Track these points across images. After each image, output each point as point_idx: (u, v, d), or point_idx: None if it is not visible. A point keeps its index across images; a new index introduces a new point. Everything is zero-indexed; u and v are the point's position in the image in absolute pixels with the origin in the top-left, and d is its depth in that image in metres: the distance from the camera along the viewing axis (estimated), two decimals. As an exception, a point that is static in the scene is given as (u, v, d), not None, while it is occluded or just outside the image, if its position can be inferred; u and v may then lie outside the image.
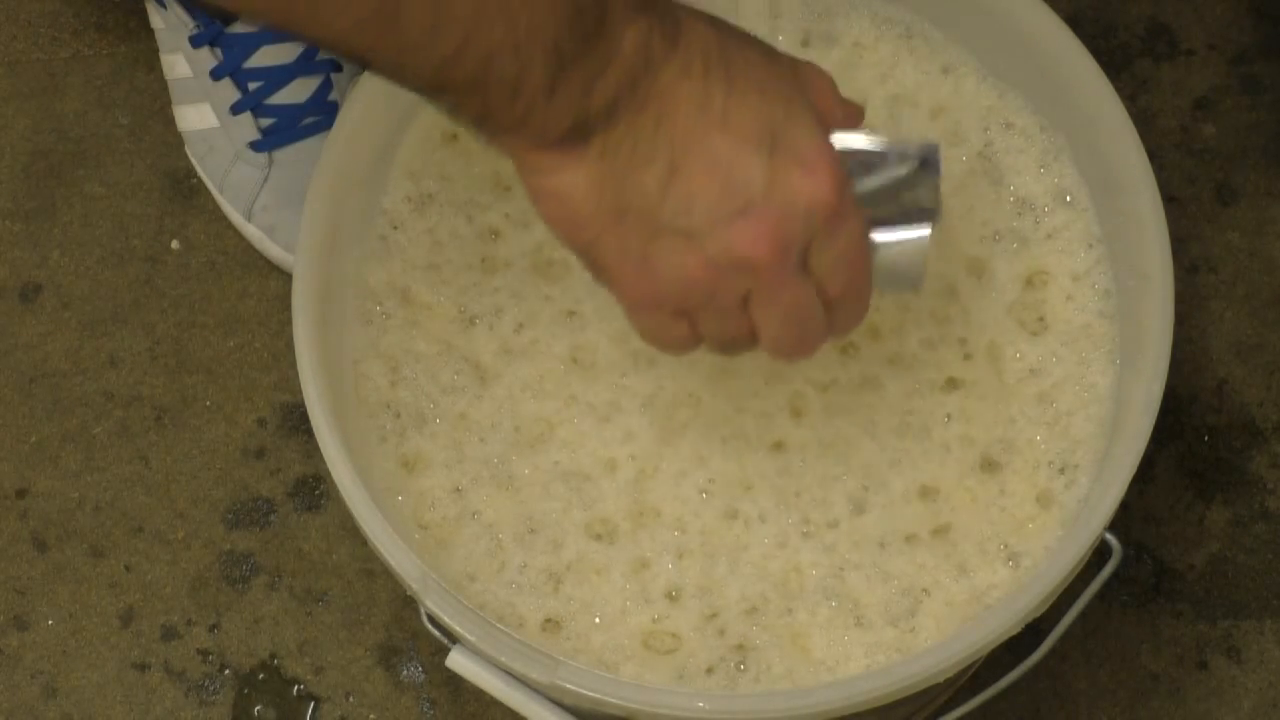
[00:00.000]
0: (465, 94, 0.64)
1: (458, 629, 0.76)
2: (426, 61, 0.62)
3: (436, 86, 0.64)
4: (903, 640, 0.80)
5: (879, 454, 0.83)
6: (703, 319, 0.70)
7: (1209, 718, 1.03)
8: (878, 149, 0.70)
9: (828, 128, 0.69)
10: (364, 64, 0.64)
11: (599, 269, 0.69)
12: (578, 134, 0.65)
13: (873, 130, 0.71)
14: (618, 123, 0.65)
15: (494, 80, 0.63)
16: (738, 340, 0.71)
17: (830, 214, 0.67)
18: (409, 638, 1.05)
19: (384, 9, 0.60)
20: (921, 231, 0.71)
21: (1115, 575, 0.89)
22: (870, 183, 0.70)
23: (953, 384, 0.84)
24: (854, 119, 0.73)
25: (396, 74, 0.64)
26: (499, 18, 0.62)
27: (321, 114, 1.10)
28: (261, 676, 1.05)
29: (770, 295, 0.69)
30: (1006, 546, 0.81)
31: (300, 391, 0.80)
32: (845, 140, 0.69)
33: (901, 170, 0.71)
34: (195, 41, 1.10)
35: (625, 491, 0.83)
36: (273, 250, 1.10)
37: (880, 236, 0.71)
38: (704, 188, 0.66)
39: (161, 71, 1.16)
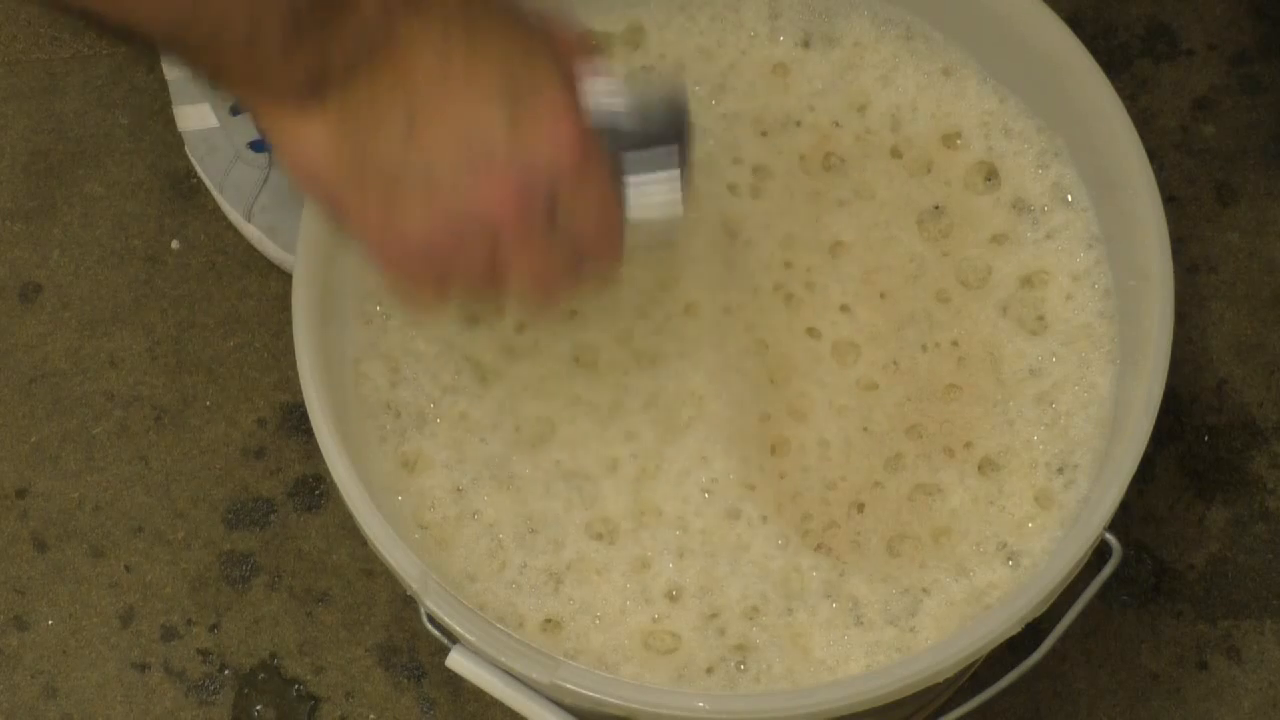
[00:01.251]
0: (199, 50, 0.63)
1: (458, 629, 0.76)
2: (158, 24, 0.61)
3: (169, 42, 0.63)
4: (902, 640, 0.80)
5: (879, 454, 0.83)
6: (453, 275, 0.69)
7: (1209, 718, 1.03)
8: (626, 99, 0.70)
9: (575, 83, 0.68)
10: (93, 24, 0.63)
11: (345, 224, 0.68)
12: (316, 91, 0.64)
13: (620, 82, 0.70)
14: (357, 80, 0.64)
15: (227, 40, 0.62)
16: (488, 292, 0.71)
17: (575, 166, 0.67)
18: (409, 638, 1.05)
19: None
20: (672, 174, 0.71)
21: (1115, 575, 0.89)
22: (620, 133, 0.70)
23: (952, 384, 0.84)
24: (602, 74, 0.71)
25: (125, 31, 0.62)
26: None
27: (321, 114, 1.09)
28: (261, 676, 1.05)
29: (517, 249, 0.68)
30: (1006, 546, 0.81)
31: (300, 391, 0.80)
32: (594, 92, 0.69)
33: (652, 118, 0.70)
34: (195, 41, 1.10)
35: (626, 491, 0.83)
36: (272, 250, 1.10)
37: (633, 183, 0.70)
38: (445, 144, 0.65)
39: (161, 71, 1.16)
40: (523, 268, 0.69)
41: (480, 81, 0.65)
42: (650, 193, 0.71)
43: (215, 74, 0.64)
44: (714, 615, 0.81)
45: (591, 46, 0.71)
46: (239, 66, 0.63)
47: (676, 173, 0.71)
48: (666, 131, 0.71)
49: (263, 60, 0.62)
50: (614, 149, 0.70)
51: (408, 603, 1.05)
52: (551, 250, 0.69)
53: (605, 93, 0.69)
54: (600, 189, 0.69)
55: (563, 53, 0.69)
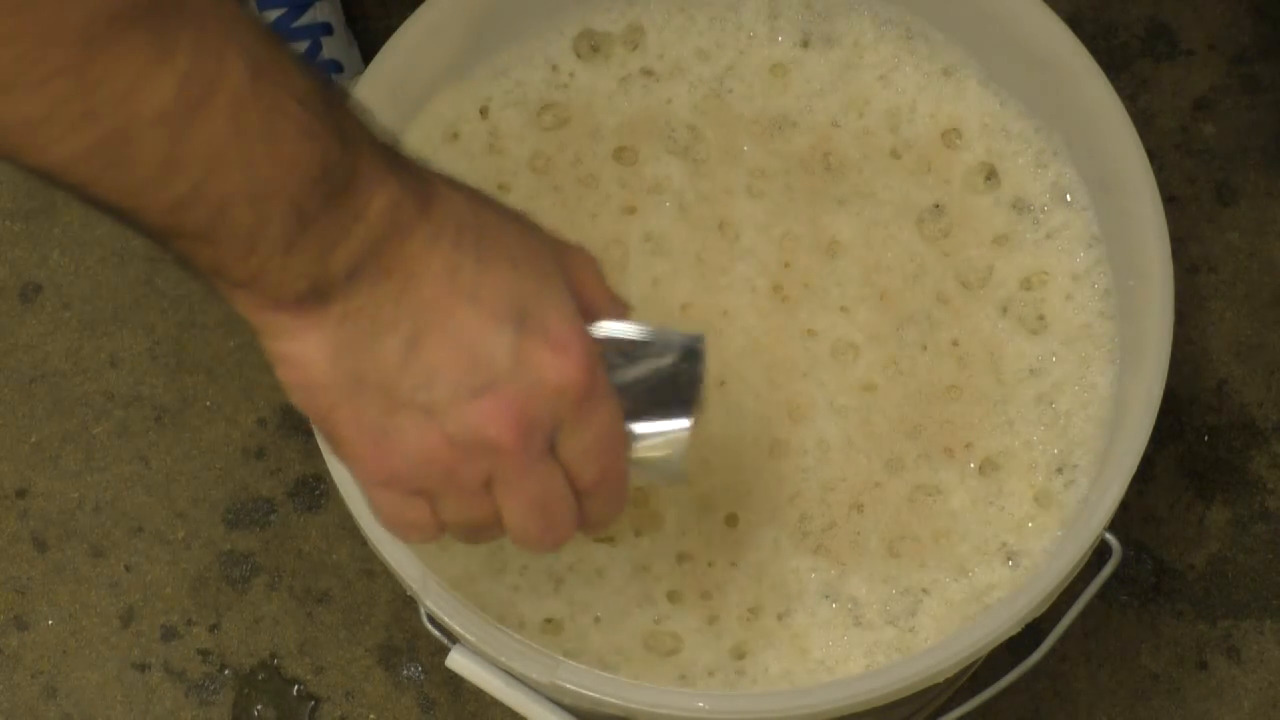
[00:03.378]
0: (197, 243, 0.59)
1: (458, 629, 0.76)
2: (155, 204, 0.58)
3: (165, 231, 0.59)
4: (902, 640, 0.80)
5: (878, 454, 0.83)
6: (443, 501, 0.66)
7: (1209, 718, 1.03)
8: (640, 338, 0.67)
9: (585, 311, 0.65)
10: (88, 200, 0.59)
11: (336, 441, 0.65)
12: (316, 297, 0.61)
13: (636, 320, 0.67)
14: (360, 288, 0.61)
15: (227, 231, 0.58)
16: (482, 526, 0.67)
17: (580, 397, 0.64)
18: (409, 638, 1.05)
19: (110, 141, 0.55)
20: (681, 424, 0.67)
21: (1115, 575, 0.89)
22: (630, 372, 0.67)
23: (952, 384, 0.84)
24: (618, 307, 0.69)
25: (122, 213, 0.59)
26: (237, 164, 0.57)
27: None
28: (261, 676, 1.05)
29: (514, 480, 0.65)
30: (1006, 546, 0.81)
31: (300, 391, 0.80)
32: (606, 328, 0.66)
33: (664, 361, 0.67)
34: (195, 42, 1.10)
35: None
36: (273, 250, 1.10)
37: (639, 428, 0.67)
38: (446, 362, 0.62)
39: (161, 72, 1.16)
40: (520, 498, 0.65)
41: (487, 295, 0.63)
42: (657, 443, 0.68)
43: (214, 271, 0.60)
44: (713, 617, 0.81)
45: (604, 272, 0.68)
46: (238, 263, 0.59)
47: (686, 425, 0.68)
48: (679, 381, 0.68)
49: (264, 257, 0.59)
50: (621, 388, 0.67)
51: (408, 603, 1.05)
52: (550, 482, 0.65)
53: (623, 332, 0.67)
54: (605, 425, 0.65)
55: (576, 276, 0.66)
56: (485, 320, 0.62)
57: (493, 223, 0.64)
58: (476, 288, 0.62)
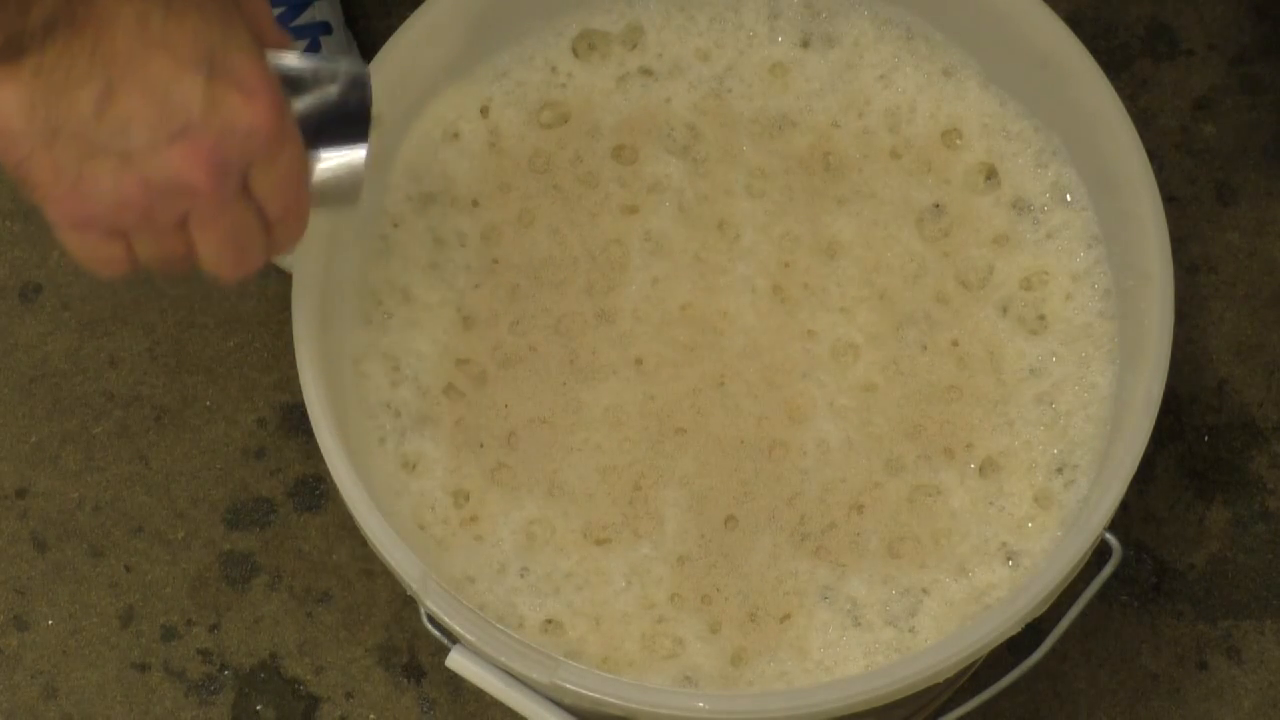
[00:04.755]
0: None
1: (458, 629, 0.76)
2: None
3: None
4: (902, 640, 0.80)
5: (878, 455, 0.83)
6: (139, 240, 0.70)
7: (1209, 718, 1.03)
8: (308, 67, 0.71)
9: (264, 50, 0.69)
10: None
11: (31, 186, 0.68)
12: (11, 51, 0.64)
13: (301, 52, 0.72)
14: (54, 42, 0.65)
15: None
16: (174, 260, 0.71)
17: (270, 138, 0.68)
18: (409, 638, 1.05)
19: None
20: (356, 150, 0.73)
21: (1115, 575, 0.89)
22: (302, 103, 0.71)
23: (952, 384, 0.84)
24: (285, 41, 0.73)
25: None
26: None
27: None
28: (261, 676, 1.05)
29: (209, 217, 0.69)
30: (1006, 546, 0.81)
31: (300, 391, 0.80)
32: (277, 61, 0.70)
33: (332, 89, 0.72)
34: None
35: (625, 495, 0.83)
36: (272, 250, 1.10)
37: (319, 156, 0.72)
38: (141, 109, 0.66)
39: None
40: (214, 234, 0.70)
41: (178, 48, 0.66)
42: (338, 167, 0.72)
43: None
44: (713, 618, 0.81)
45: (274, 15, 0.73)
46: None
47: (362, 151, 0.73)
48: (348, 106, 0.72)
49: None
50: (297, 119, 0.71)
51: (408, 603, 1.05)
52: (242, 217, 0.70)
53: (293, 65, 0.71)
54: (293, 161, 0.70)
55: (251, 16, 0.70)
56: (177, 68, 0.66)
57: None
58: (166, 36, 0.66)
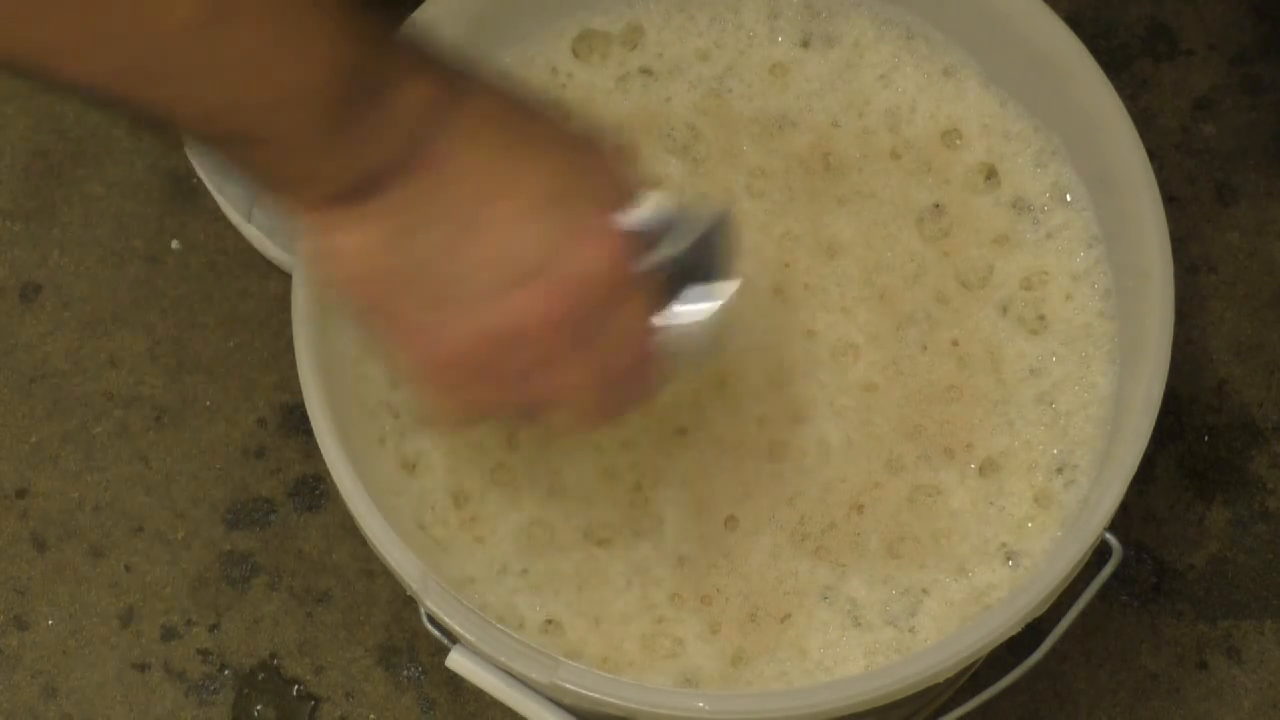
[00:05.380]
0: (238, 147, 0.62)
1: (458, 629, 0.76)
2: (190, 114, 0.60)
3: (207, 139, 0.62)
4: (902, 640, 0.80)
5: (878, 455, 0.83)
6: (483, 386, 0.68)
7: (1209, 718, 1.03)
8: (668, 219, 0.68)
9: (617, 199, 0.66)
10: (126, 113, 0.61)
11: (378, 334, 0.67)
12: (359, 194, 0.63)
13: (662, 201, 0.68)
14: (401, 184, 0.63)
15: (263, 136, 0.61)
16: (522, 412, 0.69)
17: (612, 287, 0.66)
18: (409, 638, 1.05)
19: (138, 57, 0.57)
20: (712, 304, 0.69)
21: (1115, 575, 0.89)
22: (659, 254, 0.68)
23: (952, 384, 0.84)
24: (639, 189, 0.69)
25: (161, 125, 0.61)
26: (265, 73, 0.59)
27: (321, 114, 1.09)
28: (261, 676, 1.05)
29: (548, 369, 0.67)
30: (1006, 546, 0.81)
31: (300, 391, 0.80)
32: (634, 212, 0.67)
33: (692, 240, 0.68)
34: (195, 41, 1.10)
35: (625, 496, 0.83)
36: (273, 251, 1.10)
37: (674, 310, 0.69)
38: (484, 256, 0.64)
39: (161, 71, 1.16)
40: (556, 385, 0.67)
41: (524, 192, 0.64)
42: (692, 322, 0.69)
43: (259, 172, 0.63)
44: (713, 618, 0.81)
45: (633, 158, 0.70)
46: (278, 164, 0.62)
47: (719, 304, 0.69)
48: (710, 256, 0.69)
49: (302, 158, 0.61)
50: (656, 271, 0.68)
51: (408, 603, 1.05)
52: (587, 369, 0.67)
53: (650, 212, 0.68)
54: (636, 313, 0.67)
55: (606, 164, 0.67)
56: (522, 214, 0.64)
57: (527, 115, 0.66)
58: (513, 182, 0.64)
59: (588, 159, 0.67)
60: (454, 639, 0.77)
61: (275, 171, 0.63)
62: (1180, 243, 1.11)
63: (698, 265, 0.69)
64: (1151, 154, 0.84)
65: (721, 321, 0.69)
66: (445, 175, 0.63)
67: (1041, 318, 0.85)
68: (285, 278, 1.11)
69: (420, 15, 0.86)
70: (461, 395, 0.68)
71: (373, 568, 1.06)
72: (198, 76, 0.58)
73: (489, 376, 0.67)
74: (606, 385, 0.68)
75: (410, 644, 1.05)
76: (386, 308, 0.66)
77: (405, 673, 1.04)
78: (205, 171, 1.13)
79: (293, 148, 0.61)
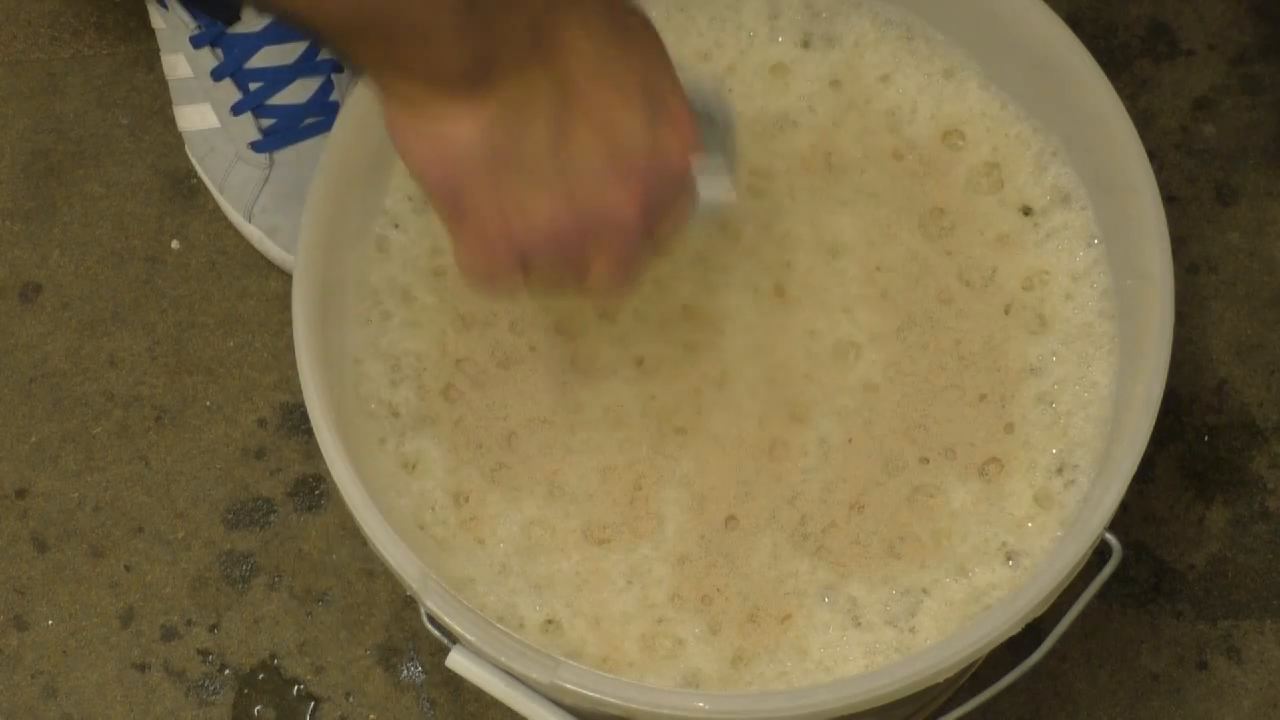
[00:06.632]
0: (374, 40, 0.63)
1: (458, 629, 0.76)
2: (337, 7, 0.62)
3: (348, 33, 0.64)
4: (902, 641, 0.80)
5: (879, 455, 0.83)
6: (544, 264, 0.71)
7: (1209, 718, 1.03)
8: (699, 101, 0.73)
9: (676, 80, 0.71)
10: (271, 13, 0.64)
11: (462, 213, 0.69)
12: (479, 79, 0.65)
13: (694, 82, 0.73)
14: (520, 72, 0.66)
15: (404, 23, 0.63)
16: (567, 283, 0.72)
17: (687, 176, 0.70)
18: (409, 638, 1.05)
19: None
20: (729, 167, 0.74)
21: (1115, 575, 0.89)
22: (705, 134, 0.73)
23: (952, 384, 0.84)
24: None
25: (304, 21, 0.64)
26: None
27: (322, 114, 1.10)
28: (261, 676, 1.05)
29: (619, 249, 0.70)
30: (1006, 546, 0.81)
31: (300, 391, 0.80)
32: (689, 97, 0.72)
33: (706, 116, 0.73)
34: (196, 42, 1.10)
35: (625, 495, 0.83)
36: (273, 250, 1.10)
37: (699, 180, 0.73)
38: (593, 147, 0.67)
39: (162, 71, 1.16)
40: (614, 262, 0.71)
41: (628, 85, 0.68)
42: (713, 186, 0.73)
43: (385, 60, 0.64)
44: (713, 618, 0.81)
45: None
46: (411, 52, 0.64)
47: (731, 166, 0.74)
48: (718, 128, 0.74)
49: (435, 45, 0.63)
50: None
51: (408, 603, 1.05)
52: (643, 248, 0.71)
53: (693, 94, 0.72)
54: (690, 194, 0.72)
55: (663, 45, 0.71)
56: (627, 108, 0.68)
57: (623, 11, 0.69)
58: (621, 76, 0.67)
59: (657, 43, 0.70)
60: (454, 639, 0.77)
61: (409, 58, 0.64)
62: (1180, 243, 1.11)
63: (709, 137, 0.73)
64: (1151, 154, 0.84)
65: (733, 188, 0.74)
66: (561, 66, 0.66)
67: (1041, 318, 0.85)
68: (285, 278, 1.11)
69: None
70: (517, 269, 0.70)
71: (373, 568, 1.06)
72: None
73: (560, 257, 0.70)
74: (647, 255, 0.72)
75: (410, 644, 1.05)
76: (483, 188, 0.68)
77: (405, 673, 1.04)
78: (205, 171, 1.13)
79: (424, 34, 0.63)
